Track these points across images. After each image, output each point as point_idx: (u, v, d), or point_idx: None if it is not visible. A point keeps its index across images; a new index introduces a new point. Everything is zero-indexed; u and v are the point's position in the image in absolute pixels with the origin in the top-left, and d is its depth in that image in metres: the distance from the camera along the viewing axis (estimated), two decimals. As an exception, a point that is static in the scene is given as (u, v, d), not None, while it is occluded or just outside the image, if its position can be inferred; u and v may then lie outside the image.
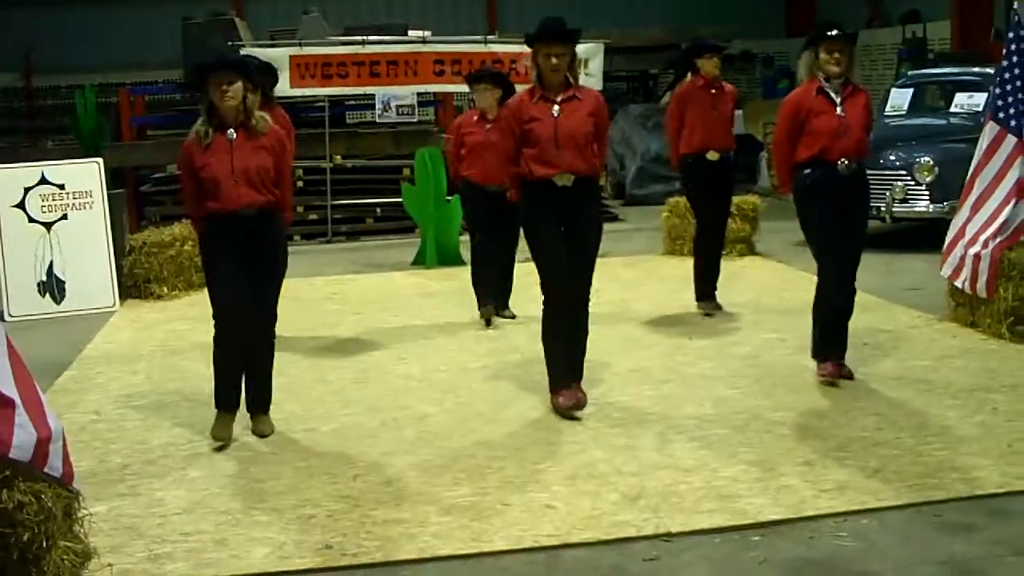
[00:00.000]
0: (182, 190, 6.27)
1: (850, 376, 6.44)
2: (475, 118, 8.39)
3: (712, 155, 8.28)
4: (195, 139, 5.76)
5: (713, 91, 8.35)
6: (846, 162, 6.23)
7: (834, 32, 6.26)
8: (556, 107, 5.93)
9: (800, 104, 6.33)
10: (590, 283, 6.09)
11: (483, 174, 8.12)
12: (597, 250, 6.13)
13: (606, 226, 8.14)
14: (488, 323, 8.36)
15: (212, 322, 5.87)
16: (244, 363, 5.91)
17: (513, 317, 8.42)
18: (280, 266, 5.99)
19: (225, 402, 5.92)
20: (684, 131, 8.35)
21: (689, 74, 8.60)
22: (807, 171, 6.33)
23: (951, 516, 4.50)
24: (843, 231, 6.32)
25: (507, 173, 6.26)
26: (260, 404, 5.99)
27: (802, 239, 6.60)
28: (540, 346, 6.15)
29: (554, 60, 5.89)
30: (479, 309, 8.51)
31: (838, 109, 6.24)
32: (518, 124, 5.99)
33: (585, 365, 6.23)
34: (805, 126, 6.29)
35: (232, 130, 5.71)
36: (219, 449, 5.70)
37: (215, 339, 5.89)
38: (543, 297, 6.08)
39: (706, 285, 8.54)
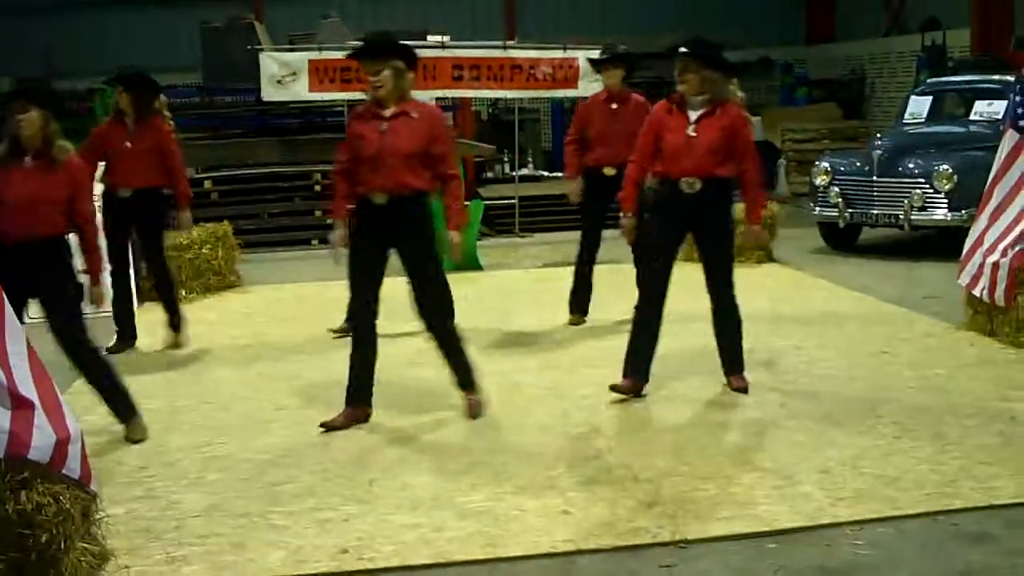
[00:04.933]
0: None
1: (744, 390, 6.40)
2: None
3: (608, 171, 8.12)
4: None
5: (615, 105, 8.24)
6: (689, 181, 6.18)
7: (682, 50, 6.15)
8: (692, 127, 6.14)
9: (655, 120, 6.35)
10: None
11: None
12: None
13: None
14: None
15: (227, 325, 5.89)
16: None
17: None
18: (66, 294, 5.84)
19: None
20: (587, 144, 8.34)
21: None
22: (653, 188, 6.42)
23: (968, 525, 4.48)
24: (700, 249, 6.40)
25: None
26: (118, 411, 6.01)
27: (819, 246, 6.58)
28: (556, 352, 6.91)
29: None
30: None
31: (689, 128, 6.17)
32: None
33: (597, 372, 6.26)
34: (659, 142, 6.27)
35: (29, 158, 5.70)
36: (237, 452, 5.73)
37: None
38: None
39: (580, 299, 8.54)
